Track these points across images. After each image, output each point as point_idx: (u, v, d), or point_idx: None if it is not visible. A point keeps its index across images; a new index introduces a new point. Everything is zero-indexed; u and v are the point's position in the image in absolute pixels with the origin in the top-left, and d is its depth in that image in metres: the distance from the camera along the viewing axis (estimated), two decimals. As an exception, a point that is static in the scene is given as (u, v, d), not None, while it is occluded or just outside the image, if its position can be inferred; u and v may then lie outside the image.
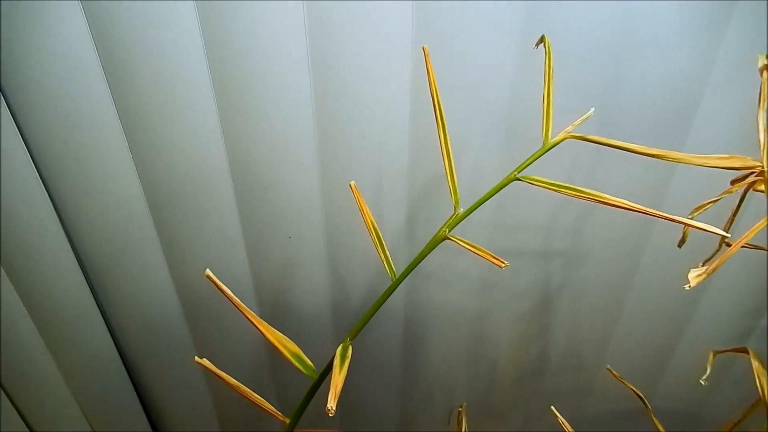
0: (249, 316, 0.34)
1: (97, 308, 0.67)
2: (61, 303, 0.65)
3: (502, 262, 0.27)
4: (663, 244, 0.64)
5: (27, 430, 0.79)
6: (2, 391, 0.74)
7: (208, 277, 0.35)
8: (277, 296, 0.68)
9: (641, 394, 0.41)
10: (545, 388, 0.80)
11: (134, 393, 0.77)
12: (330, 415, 0.25)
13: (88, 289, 0.65)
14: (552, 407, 0.40)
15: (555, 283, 0.68)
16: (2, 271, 0.62)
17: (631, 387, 0.41)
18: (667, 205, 0.61)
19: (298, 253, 0.64)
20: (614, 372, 0.43)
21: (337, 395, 0.26)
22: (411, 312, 0.70)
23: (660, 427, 0.40)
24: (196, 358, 0.35)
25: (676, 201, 0.60)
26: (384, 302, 0.32)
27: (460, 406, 0.60)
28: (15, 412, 0.78)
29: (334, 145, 0.56)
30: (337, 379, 0.27)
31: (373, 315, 0.32)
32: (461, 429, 0.57)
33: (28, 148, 0.54)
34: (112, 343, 0.71)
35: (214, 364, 0.74)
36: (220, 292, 0.34)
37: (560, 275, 0.68)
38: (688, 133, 0.55)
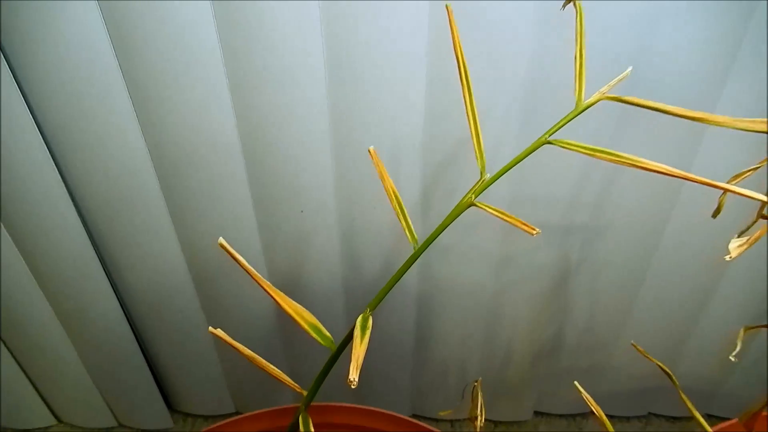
0: (264, 286, 0.32)
1: (108, 281, 0.67)
2: (70, 276, 0.65)
3: (533, 230, 0.26)
4: (684, 220, 0.62)
5: (41, 401, 0.80)
6: (19, 368, 0.75)
7: (222, 245, 0.34)
8: (288, 270, 0.67)
9: (668, 371, 0.39)
10: (560, 366, 0.79)
11: (147, 367, 0.77)
12: (352, 386, 0.24)
13: (99, 263, 0.65)
14: (575, 383, 0.39)
15: (573, 259, 0.67)
16: (13, 243, 0.61)
17: (658, 363, 0.39)
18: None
19: (310, 226, 0.63)
20: (639, 348, 0.42)
21: (359, 366, 0.25)
22: (425, 288, 0.69)
23: (689, 403, 0.39)
24: (210, 328, 0.34)
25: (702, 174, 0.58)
26: (405, 272, 0.30)
27: (476, 381, 0.58)
28: (31, 387, 0.78)
29: (347, 116, 0.54)
30: (359, 350, 0.26)
31: (393, 285, 0.30)
32: (477, 403, 0.56)
33: (34, 118, 0.53)
34: (123, 316, 0.70)
35: (228, 335, 0.74)
36: (234, 260, 0.33)
37: (579, 251, 0.66)
38: (716, 105, 0.53)
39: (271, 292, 0.33)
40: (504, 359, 0.77)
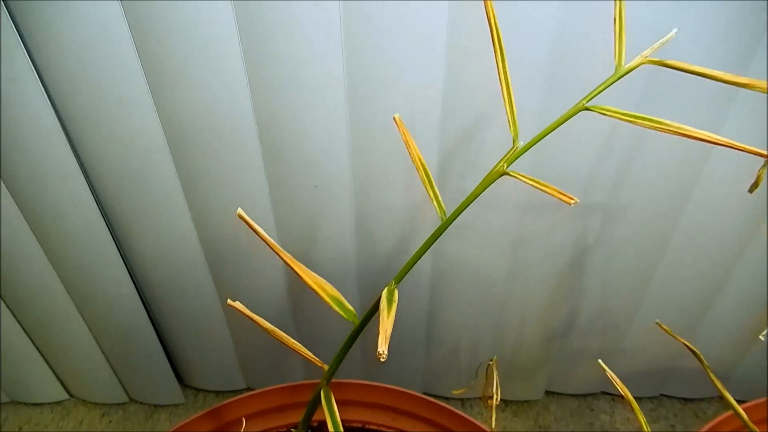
0: (284, 257, 0.31)
1: (119, 256, 0.66)
2: (81, 250, 0.64)
3: (571, 198, 0.24)
4: (705, 201, 0.61)
5: (53, 375, 0.80)
6: (31, 343, 0.75)
7: (240, 216, 0.33)
8: (301, 246, 0.66)
9: (696, 350, 0.38)
10: (573, 347, 0.78)
11: (158, 342, 0.77)
12: (382, 359, 0.23)
13: (110, 237, 0.64)
14: (600, 361, 0.38)
15: (590, 239, 0.65)
16: (22, 217, 0.60)
17: (686, 343, 0.38)
18: (714, 157, 0.58)
19: (323, 203, 0.62)
20: (664, 326, 0.41)
21: (388, 339, 0.24)
22: (439, 267, 0.68)
23: (718, 384, 0.38)
24: (229, 301, 0.33)
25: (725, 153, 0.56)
26: (432, 244, 0.29)
27: (491, 360, 0.58)
28: (43, 362, 0.79)
29: (364, 90, 0.53)
30: (386, 323, 0.25)
31: (419, 259, 0.29)
32: (493, 382, 0.55)
33: (45, 88, 0.52)
34: (135, 291, 0.70)
35: (236, 313, 0.73)
36: (253, 231, 0.32)
37: (596, 231, 0.65)
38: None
39: (291, 264, 0.32)
40: (517, 339, 0.76)
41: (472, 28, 0.47)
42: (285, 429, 0.59)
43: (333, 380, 0.57)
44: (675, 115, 0.52)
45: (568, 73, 0.50)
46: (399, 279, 0.29)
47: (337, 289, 0.70)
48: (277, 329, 0.33)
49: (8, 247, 0.63)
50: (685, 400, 0.84)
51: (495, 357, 0.59)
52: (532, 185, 0.26)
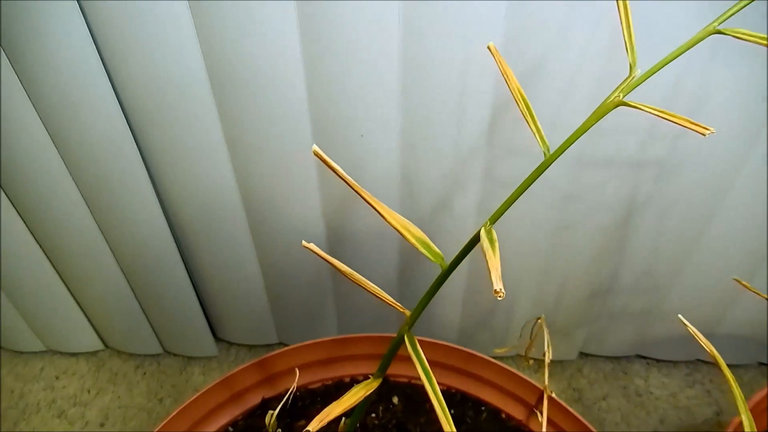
0: (366, 198, 0.30)
1: (158, 202, 0.65)
2: (118, 195, 0.63)
3: (706, 129, 0.22)
4: (761, 165, 0.58)
5: (89, 325, 0.80)
6: (69, 293, 0.75)
7: (316, 153, 0.30)
8: (343, 198, 0.64)
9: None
10: (612, 308, 0.77)
11: (194, 294, 0.76)
12: (500, 297, 0.21)
13: (148, 178, 0.62)
14: (680, 315, 0.36)
15: (643, 195, 0.63)
16: (62, 160, 0.59)
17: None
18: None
19: (368, 153, 0.59)
20: (743, 282, 0.39)
21: (500, 276, 0.22)
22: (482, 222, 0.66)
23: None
24: (304, 242, 0.31)
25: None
26: (532, 183, 0.27)
27: (538, 318, 0.57)
28: (80, 312, 0.79)
29: (416, 32, 0.50)
30: (495, 261, 0.23)
31: (519, 196, 0.27)
32: (544, 340, 0.54)
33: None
34: (173, 240, 0.69)
35: (276, 265, 0.72)
36: (328, 167, 0.30)
37: (649, 187, 0.62)
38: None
39: (373, 203, 0.30)
40: (557, 298, 0.75)
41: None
42: (331, 382, 0.59)
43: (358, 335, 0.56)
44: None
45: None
46: (494, 219, 0.28)
47: (377, 244, 0.69)
48: (354, 272, 0.31)
49: (46, 192, 0.62)
50: (722, 365, 0.83)
51: (542, 316, 0.58)
52: (657, 114, 0.24)
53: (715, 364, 0.80)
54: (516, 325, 0.80)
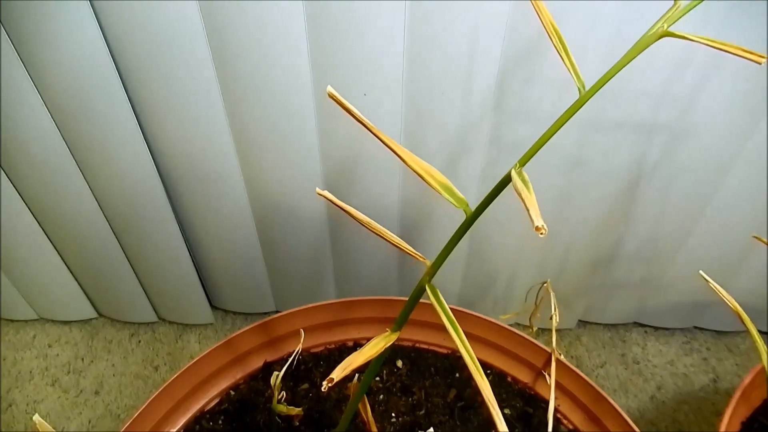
0: (388, 143, 0.28)
1: (155, 170, 0.62)
2: (118, 165, 0.60)
3: (762, 57, 0.21)
4: None
5: (82, 293, 0.78)
6: (61, 260, 0.72)
7: (331, 95, 0.29)
8: (345, 160, 0.62)
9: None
10: (614, 277, 0.77)
11: (191, 262, 0.74)
12: (542, 234, 0.20)
13: (145, 145, 0.60)
14: (701, 271, 0.35)
15: (650, 162, 0.62)
16: (61, 136, 0.56)
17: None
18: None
19: (372, 111, 0.57)
20: (762, 239, 0.38)
21: (539, 214, 0.21)
22: (488, 187, 0.65)
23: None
24: (318, 190, 0.30)
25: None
26: (565, 123, 0.26)
27: (544, 282, 0.56)
28: (73, 280, 0.76)
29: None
30: (531, 199, 0.22)
31: (546, 141, 0.26)
32: (551, 304, 0.53)
33: None
34: (170, 207, 0.67)
35: (274, 231, 0.71)
36: (345, 110, 0.28)
37: (657, 154, 0.61)
38: None
39: (394, 148, 0.28)
40: (560, 265, 0.74)
41: None
42: (334, 346, 0.58)
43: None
44: None
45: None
46: (524, 162, 0.26)
47: (381, 205, 0.68)
48: (373, 221, 0.30)
49: (38, 157, 0.59)
50: (719, 333, 0.84)
51: (548, 280, 0.57)
52: (704, 43, 0.22)
53: (712, 332, 0.80)
54: (517, 294, 0.79)
